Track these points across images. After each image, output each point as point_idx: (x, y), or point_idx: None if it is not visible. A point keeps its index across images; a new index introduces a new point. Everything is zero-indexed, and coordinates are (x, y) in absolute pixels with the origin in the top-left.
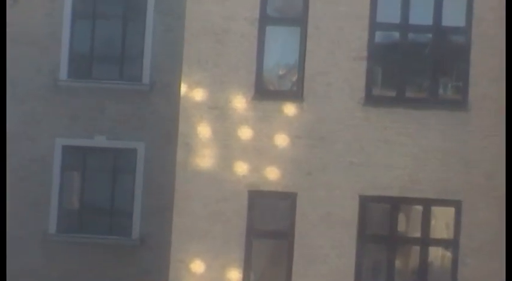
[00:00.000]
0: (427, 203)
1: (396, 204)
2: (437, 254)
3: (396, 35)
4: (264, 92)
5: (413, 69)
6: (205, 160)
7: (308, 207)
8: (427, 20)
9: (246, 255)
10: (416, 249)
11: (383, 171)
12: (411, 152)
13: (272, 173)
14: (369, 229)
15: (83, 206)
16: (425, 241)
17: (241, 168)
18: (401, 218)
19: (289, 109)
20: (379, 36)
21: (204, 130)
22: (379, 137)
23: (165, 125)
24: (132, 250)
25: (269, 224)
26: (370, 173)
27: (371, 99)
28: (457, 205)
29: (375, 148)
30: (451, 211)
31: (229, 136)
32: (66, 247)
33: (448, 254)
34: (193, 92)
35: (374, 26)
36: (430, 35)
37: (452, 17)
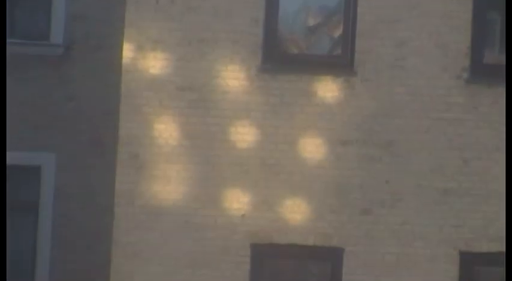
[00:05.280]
0: None
1: None
2: None
3: None
4: (282, 58)
5: None
6: (169, 187)
7: (365, 273)
8: None
9: None
10: None
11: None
12: None
13: (297, 212)
14: None
15: None
16: None
17: (239, 202)
18: None
19: (329, 91)
20: None
21: (167, 131)
22: (497, 141)
23: (93, 123)
24: None
25: None
26: (479, 211)
27: (481, 72)
28: None
29: (490, 162)
30: None
31: (216, 142)
32: None
33: None
34: (145, 61)
35: None
36: None
37: None
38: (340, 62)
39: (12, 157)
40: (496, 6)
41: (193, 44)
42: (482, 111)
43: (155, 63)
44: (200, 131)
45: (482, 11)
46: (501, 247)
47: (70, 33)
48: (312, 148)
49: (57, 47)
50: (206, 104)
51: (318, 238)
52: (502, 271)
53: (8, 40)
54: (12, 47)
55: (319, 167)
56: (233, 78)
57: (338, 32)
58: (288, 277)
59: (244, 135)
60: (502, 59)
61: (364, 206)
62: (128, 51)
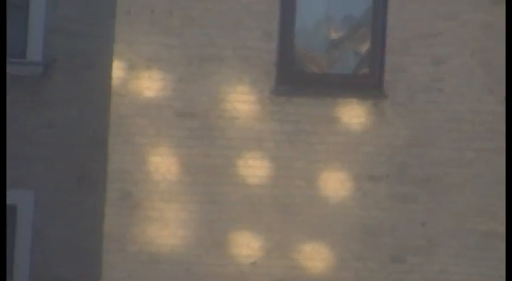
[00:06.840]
0: None
1: None
2: None
3: None
4: (299, 79)
5: None
6: (167, 231)
7: None
8: None
9: None
10: None
11: None
12: None
13: (317, 259)
14: None
15: None
16: None
17: (249, 247)
18: None
19: (354, 116)
20: None
21: (164, 164)
22: None
23: (77, 155)
24: None
25: None
26: None
27: None
28: None
29: None
30: None
31: (222, 177)
32: None
33: None
34: (139, 82)
35: None
36: None
37: None
38: (368, 82)
39: None
40: None
41: (195, 63)
42: None
43: (150, 85)
44: (203, 165)
45: None
46: None
47: (50, 49)
48: (335, 185)
49: (35, 65)
50: (210, 133)
51: None
52: None
53: None
54: None
55: (342, 206)
56: (242, 102)
57: (365, 48)
58: None
59: (255, 169)
60: None
61: (395, 253)
62: (118, 71)
